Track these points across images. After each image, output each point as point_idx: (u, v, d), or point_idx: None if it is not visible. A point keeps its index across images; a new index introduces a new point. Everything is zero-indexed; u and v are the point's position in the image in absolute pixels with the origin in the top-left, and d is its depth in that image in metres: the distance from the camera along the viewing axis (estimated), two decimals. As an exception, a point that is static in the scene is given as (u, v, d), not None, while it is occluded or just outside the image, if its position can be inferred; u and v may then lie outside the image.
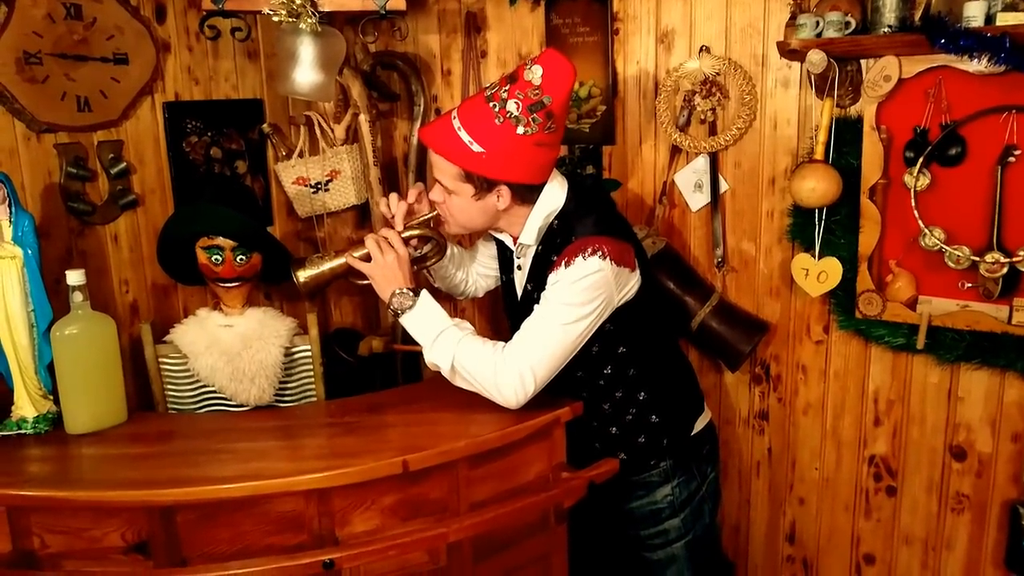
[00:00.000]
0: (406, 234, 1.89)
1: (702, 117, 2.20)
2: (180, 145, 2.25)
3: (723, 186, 2.24)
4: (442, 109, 2.58)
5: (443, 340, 1.76)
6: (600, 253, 1.69)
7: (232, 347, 2.02)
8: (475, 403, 1.88)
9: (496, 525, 1.74)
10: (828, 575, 2.33)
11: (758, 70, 2.13)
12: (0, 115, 1.93)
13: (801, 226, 2.12)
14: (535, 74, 1.69)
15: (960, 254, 1.91)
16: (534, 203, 1.81)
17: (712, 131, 2.20)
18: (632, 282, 1.79)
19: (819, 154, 2.00)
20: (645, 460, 1.92)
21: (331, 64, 2.12)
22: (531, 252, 1.86)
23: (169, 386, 2.10)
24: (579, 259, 1.69)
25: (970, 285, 1.95)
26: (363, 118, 2.41)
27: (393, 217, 1.90)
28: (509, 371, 1.71)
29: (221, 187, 2.24)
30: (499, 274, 2.08)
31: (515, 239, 1.89)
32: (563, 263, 1.71)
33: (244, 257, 2.03)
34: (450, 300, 2.42)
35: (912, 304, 2.02)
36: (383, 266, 1.82)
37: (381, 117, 2.55)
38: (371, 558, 1.63)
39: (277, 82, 2.20)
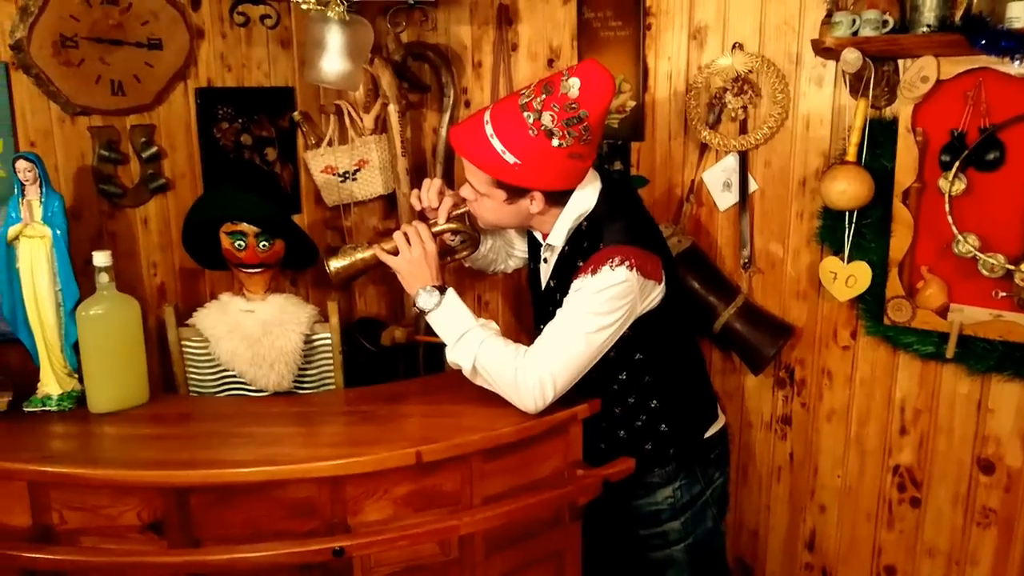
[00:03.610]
0: (436, 229, 1.87)
1: (733, 115, 2.17)
2: (211, 131, 2.27)
3: (752, 186, 2.20)
4: (471, 102, 2.58)
5: (466, 341, 1.75)
6: (627, 264, 1.66)
7: (253, 332, 2.04)
8: (494, 397, 1.87)
9: (509, 520, 1.73)
10: (847, 585, 2.29)
11: (791, 68, 2.09)
12: (36, 97, 1.97)
13: (831, 228, 2.08)
14: (572, 87, 1.63)
15: (995, 262, 1.86)
16: (566, 204, 1.78)
17: (743, 129, 2.17)
18: (656, 292, 1.76)
19: (851, 155, 1.96)
20: (649, 466, 1.90)
21: (359, 53, 2.12)
22: (557, 250, 1.84)
23: (191, 369, 2.12)
24: (605, 268, 1.67)
25: (1004, 294, 1.90)
26: (392, 108, 2.42)
27: (423, 210, 1.89)
28: (529, 377, 1.69)
29: (246, 173, 2.26)
30: (527, 258, 2.07)
31: (544, 235, 1.87)
32: (589, 270, 1.68)
33: (267, 243, 2.05)
34: (482, 277, 2.38)
35: (943, 312, 1.97)
36: (410, 261, 1.81)
37: (411, 108, 2.55)
38: (382, 547, 1.63)
39: (305, 70, 2.21)
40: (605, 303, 1.67)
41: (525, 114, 1.66)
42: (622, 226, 1.74)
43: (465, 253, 2.01)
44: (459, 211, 1.90)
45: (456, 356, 1.77)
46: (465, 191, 1.83)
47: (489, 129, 1.69)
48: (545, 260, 1.91)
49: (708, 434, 1.95)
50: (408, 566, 1.69)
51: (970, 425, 2.04)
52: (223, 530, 1.61)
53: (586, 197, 1.78)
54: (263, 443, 1.71)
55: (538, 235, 1.91)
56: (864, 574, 2.26)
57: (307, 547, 1.57)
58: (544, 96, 1.65)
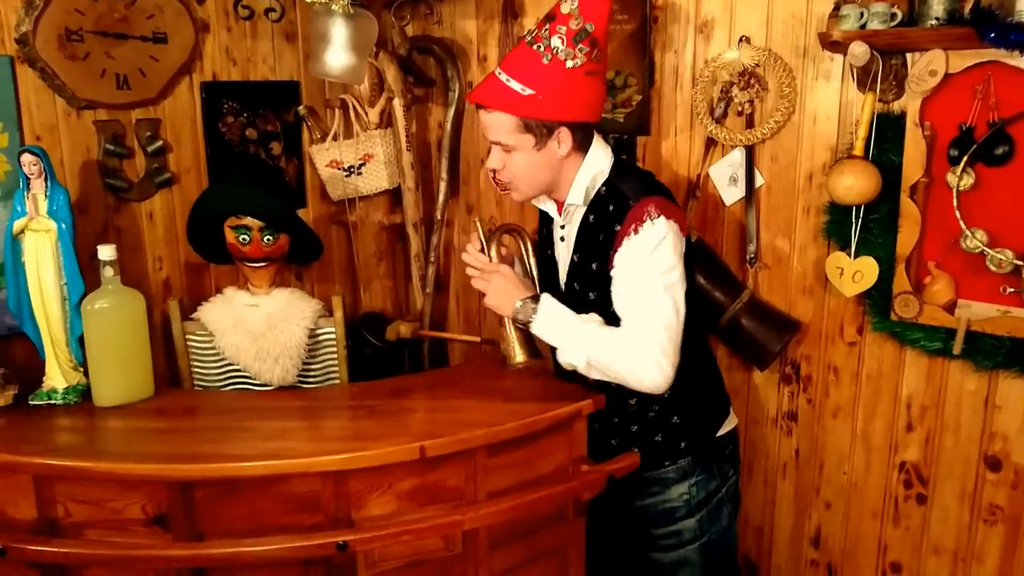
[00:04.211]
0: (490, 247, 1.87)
1: (739, 109, 2.15)
2: (216, 125, 2.28)
3: (758, 180, 2.19)
4: (477, 95, 2.57)
5: (573, 341, 1.73)
6: (664, 213, 1.68)
7: (257, 327, 2.04)
8: (499, 391, 1.88)
9: (513, 515, 1.73)
10: (853, 581, 2.29)
11: (799, 62, 2.08)
12: (41, 91, 1.97)
13: (837, 224, 2.07)
14: (572, 4, 1.68)
15: (1003, 258, 1.85)
16: (587, 155, 1.79)
17: (749, 124, 2.16)
18: (683, 247, 1.75)
19: (859, 150, 1.94)
20: (659, 459, 1.88)
21: (363, 47, 2.12)
22: (577, 217, 1.82)
23: (196, 363, 2.13)
24: (647, 223, 1.67)
25: (1012, 290, 1.88)
26: (397, 102, 2.41)
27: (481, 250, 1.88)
28: (641, 360, 1.67)
29: (250, 167, 2.25)
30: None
31: (560, 205, 1.84)
32: (631, 230, 1.69)
33: (271, 238, 2.05)
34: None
35: (950, 308, 1.95)
36: (495, 293, 1.80)
37: (416, 102, 2.55)
38: (385, 542, 1.63)
39: (309, 64, 2.21)
40: (666, 257, 1.68)
41: (535, 47, 1.69)
42: (642, 181, 1.76)
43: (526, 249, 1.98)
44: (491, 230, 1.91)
45: (567, 358, 1.76)
46: (492, 160, 1.80)
47: (503, 76, 1.72)
48: (562, 238, 1.89)
49: (721, 432, 1.93)
50: (412, 561, 1.69)
51: (977, 422, 2.02)
52: (227, 524, 1.61)
53: (602, 154, 1.79)
54: (267, 437, 1.71)
55: (552, 210, 1.89)
56: (870, 571, 2.25)
57: (311, 541, 1.57)
58: (548, 24, 1.69)
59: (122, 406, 1.86)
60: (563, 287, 1.90)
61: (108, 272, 1.84)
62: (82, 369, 1.91)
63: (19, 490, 1.60)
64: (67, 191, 1.85)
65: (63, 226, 1.83)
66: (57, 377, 1.88)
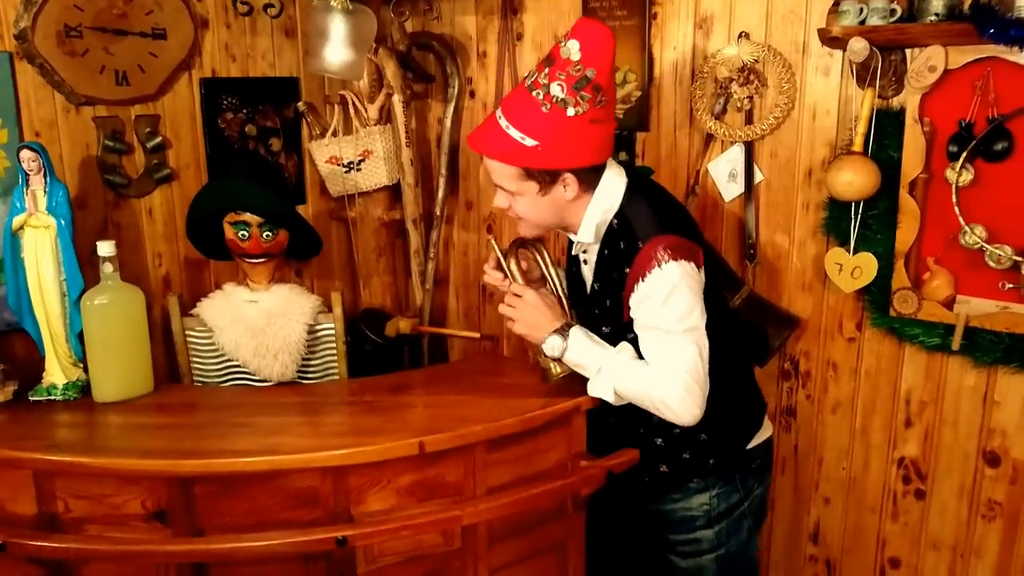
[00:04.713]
0: (507, 272, 1.83)
1: (739, 105, 2.15)
2: (215, 121, 2.28)
3: (758, 176, 2.19)
4: (476, 92, 2.57)
5: (601, 376, 1.72)
6: (670, 254, 1.61)
7: (256, 322, 2.04)
8: (498, 387, 1.88)
9: (512, 510, 1.74)
10: (852, 577, 2.29)
11: (798, 58, 2.08)
12: (40, 87, 1.97)
13: (837, 220, 2.07)
14: (572, 50, 1.59)
15: (1002, 253, 1.85)
16: (596, 190, 1.72)
17: (748, 120, 2.15)
18: (700, 278, 1.68)
19: (858, 146, 1.94)
20: (687, 476, 1.83)
21: (361, 42, 2.12)
22: (594, 248, 1.77)
23: (195, 359, 2.13)
24: (655, 271, 1.61)
25: (1011, 286, 1.88)
26: (397, 99, 2.41)
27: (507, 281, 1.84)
28: (668, 401, 1.63)
29: (249, 163, 2.25)
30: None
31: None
32: (640, 277, 1.63)
33: (270, 234, 2.05)
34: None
35: (949, 304, 1.95)
36: (523, 323, 1.77)
37: (415, 98, 2.55)
38: (384, 537, 1.64)
39: (308, 60, 2.21)
40: (681, 302, 1.62)
41: (534, 93, 1.62)
42: (655, 213, 1.68)
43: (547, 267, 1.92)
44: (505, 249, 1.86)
45: (597, 391, 1.74)
46: (499, 199, 1.76)
47: (504, 121, 1.65)
48: (584, 261, 1.84)
49: (752, 445, 1.86)
50: (411, 556, 1.70)
51: (976, 417, 2.02)
52: (227, 519, 1.61)
53: (612, 187, 1.71)
54: (267, 433, 1.71)
55: (572, 236, 1.83)
56: (868, 566, 2.25)
57: (310, 536, 1.58)
58: (548, 68, 1.61)
59: (122, 402, 1.86)
60: (586, 302, 1.85)
61: (107, 268, 1.84)
62: (82, 365, 1.91)
63: (19, 486, 1.60)
64: (66, 187, 1.86)
65: (62, 222, 1.83)
66: (57, 373, 1.88)
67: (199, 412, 1.88)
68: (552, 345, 1.74)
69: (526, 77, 1.67)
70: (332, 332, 2.17)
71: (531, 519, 1.81)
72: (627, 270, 1.66)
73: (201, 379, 2.14)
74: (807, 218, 2.15)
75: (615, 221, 1.71)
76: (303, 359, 2.12)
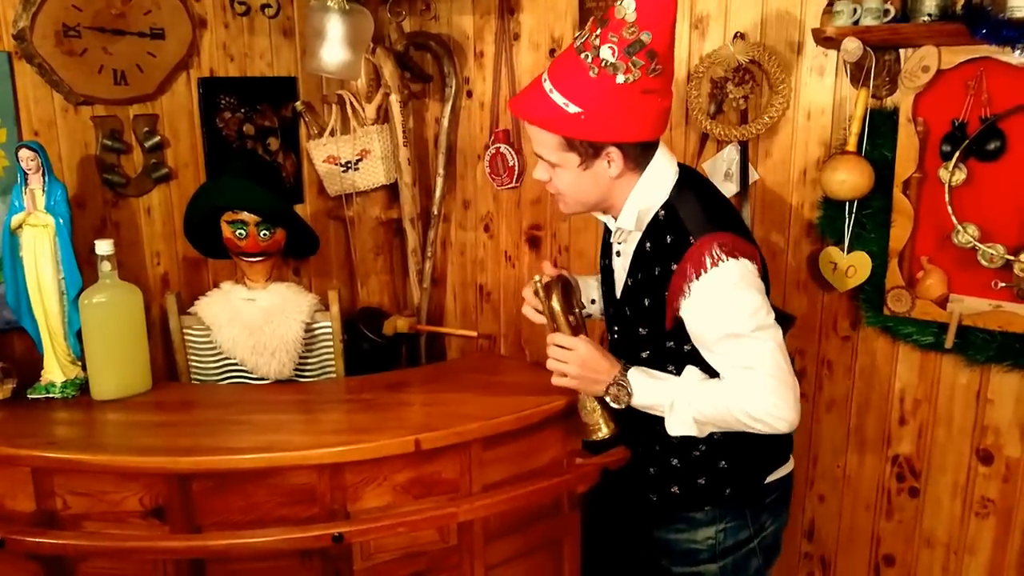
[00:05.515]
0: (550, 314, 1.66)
1: (734, 105, 2.16)
2: (214, 121, 2.29)
3: (753, 176, 2.20)
4: (473, 92, 2.58)
5: (676, 410, 1.55)
6: (731, 251, 1.46)
7: (254, 321, 2.05)
8: (494, 385, 1.89)
9: (508, 507, 1.74)
10: (846, 574, 2.30)
11: (793, 58, 2.09)
12: (39, 87, 1.98)
13: (831, 219, 2.08)
14: (628, 9, 1.43)
15: (994, 252, 1.86)
16: (644, 172, 1.57)
17: (743, 119, 2.16)
18: (762, 284, 1.54)
19: (852, 145, 1.96)
20: (699, 503, 1.69)
21: (358, 42, 2.13)
22: (633, 239, 1.62)
23: (193, 357, 2.14)
24: (712, 269, 1.46)
25: (1004, 285, 1.89)
26: (394, 98, 2.42)
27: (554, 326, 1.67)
28: (758, 406, 1.48)
29: (247, 162, 2.26)
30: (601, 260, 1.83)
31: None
32: (692, 275, 1.48)
33: (268, 232, 2.06)
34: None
35: (942, 302, 1.96)
36: (579, 378, 1.62)
37: (413, 98, 2.56)
38: (381, 534, 1.65)
39: (305, 60, 2.22)
40: (748, 298, 1.47)
41: (583, 55, 1.47)
42: (708, 209, 1.54)
43: (586, 309, 1.81)
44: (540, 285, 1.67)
45: (677, 429, 1.57)
46: (538, 171, 1.62)
47: (548, 85, 1.50)
48: (618, 253, 1.69)
49: (771, 479, 1.71)
50: (407, 553, 1.70)
51: (969, 415, 2.04)
52: (224, 516, 1.62)
53: (662, 173, 1.56)
54: (264, 430, 1.72)
55: (611, 222, 1.67)
56: (863, 564, 2.26)
57: (307, 533, 1.59)
58: (600, 29, 1.46)
59: (120, 399, 1.87)
60: (616, 302, 1.73)
61: (105, 267, 1.85)
62: (80, 363, 1.92)
63: (18, 482, 1.61)
64: (65, 186, 1.86)
65: (61, 221, 1.84)
66: (55, 371, 1.89)
67: (197, 410, 1.89)
68: (615, 396, 1.59)
69: (576, 38, 1.53)
70: (329, 330, 2.18)
71: (527, 516, 1.82)
72: (674, 266, 1.51)
73: (199, 377, 2.15)
74: (802, 217, 2.17)
75: (662, 212, 1.56)
76: (300, 357, 2.12)
